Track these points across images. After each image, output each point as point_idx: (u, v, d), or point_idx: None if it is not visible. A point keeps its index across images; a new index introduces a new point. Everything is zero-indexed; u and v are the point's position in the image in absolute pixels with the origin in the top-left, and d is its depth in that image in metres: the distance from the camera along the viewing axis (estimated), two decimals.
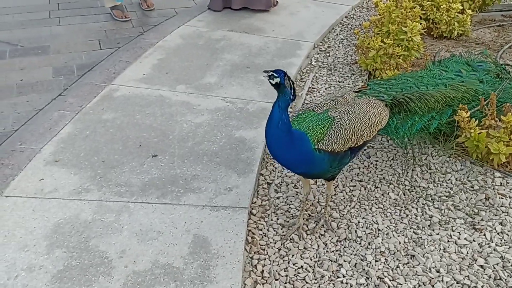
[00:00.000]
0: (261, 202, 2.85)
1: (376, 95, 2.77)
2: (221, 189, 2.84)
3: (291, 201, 2.86)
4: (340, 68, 4.42)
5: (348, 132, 2.37)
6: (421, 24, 4.25)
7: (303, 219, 2.68)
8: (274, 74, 2.19)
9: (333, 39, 4.98)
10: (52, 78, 4.25)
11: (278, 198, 2.88)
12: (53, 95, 3.98)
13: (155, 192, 2.79)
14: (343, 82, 4.19)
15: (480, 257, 2.49)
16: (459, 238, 2.60)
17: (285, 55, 4.49)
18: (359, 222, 2.71)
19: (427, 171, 3.10)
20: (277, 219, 2.72)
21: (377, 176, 3.05)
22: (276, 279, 2.37)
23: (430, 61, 3.58)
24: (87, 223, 2.55)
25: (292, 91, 2.24)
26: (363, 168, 3.13)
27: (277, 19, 5.24)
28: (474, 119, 3.03)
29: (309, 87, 4.09)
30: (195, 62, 4.31)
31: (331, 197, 2.81)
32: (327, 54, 4.66)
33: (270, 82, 2.22)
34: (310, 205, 2.84)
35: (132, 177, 2.91)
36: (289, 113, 2.28)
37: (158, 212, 2.65)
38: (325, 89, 4.09)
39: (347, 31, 5.14)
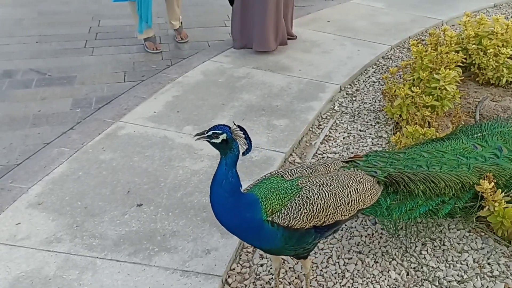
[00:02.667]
0: (241, 270, 2.56)
1: (368, 169, 2.38)
2: (199, 250, 2.60)
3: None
4: (364, 115, 4.07)
5: (314, 207, 2.03)
6: (457, 71, 3.82)
7: None
8: (217, 132, 1.94)
9: (363, 81, 4.64)
10: (69, 110, 4.24)
11: (261, 265, 2.59)
12: (64, 128, 3.95)
13: (128, 248, 2.60)
14: (365, 131, 3.83)
15: None
16: None
17: (306, 97, 4.21)
18: None
19: (439, 247, 2.68)
20: None
21: (380, 248, 2.67)
22: None
23: (465, 128, 3.00)
24: (47, 279, 2.39)
25: (248, 141, 1.99)
26: (365, 236, 2.76)
27: (307, 57, 4.99)
28: (500, 190, 2.59)
29: (326, 135, 3.78)
30: (210, 101, 4.14)
31: (311, 275, 2.43)
32: (353, 99, 4.32)
33: (213, 143, 1.96)
34: (295, 277, 2.51)
35: (110, 228, 2.73)
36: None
37: (124, 273, 2.44)
38: (343, 138, 3.76)
39: (381, 73, 4.78)
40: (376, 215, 2.40)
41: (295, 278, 2.51)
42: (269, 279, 2.50)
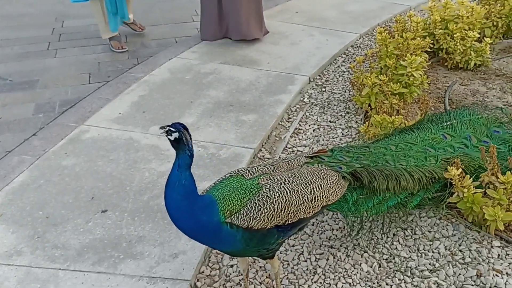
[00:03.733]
0: (210, 272, 2.49)
1: (332, 164, 2.30)
2: (166, 255, 2.52)
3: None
4: (334, 105, 4.02)
5: (276, 206, 1.96)
6: (423, 57, 3.80)
7: None
8: (172, 129, 1.88)
9: (333, 71, 4.59)
10: (31, 116, 4.10)
11: (231, 266, 2.52)
12: (26, 135, 3.80)
13: (92, 257, 2.50)
14: (335, 122, 3.79)
15: None
16: None
17: (275, 91, 4.14)
18: None
19: (411, 236, 2.65)
20: None
21: (351, 242, 2.63)
22: None
23: (435, 116, 2.97)
24: None
25: (190, 146, 1.92)
26: (336, 230, 2.72)
27: (276, 49, 4.92)
28: (469, 176, 2.56)
29: (295, 128, 3.72)
30: (177, 100, 4.04)
31: (281, 274, 2.37)
32: (323, 90, 4.28)
33: (169, 139, 1.91)
34: (266, 277, 2.46)
35: (73, 237, 2.63)
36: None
37: (88, 284, 2.35)
38: (313, 130, 3.71)
39: (350, 62, 4.74)
40: (343, 210, 2.35)
41: (266, 277, 2.45)
42: (239, 280, 2.44)
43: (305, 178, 2.09)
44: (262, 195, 1.96)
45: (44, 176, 3.11)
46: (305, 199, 2.04)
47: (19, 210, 2.83)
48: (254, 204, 1.94)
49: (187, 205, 1.88)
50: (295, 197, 2.01)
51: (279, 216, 1.97)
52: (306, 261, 2.53)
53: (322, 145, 3.51)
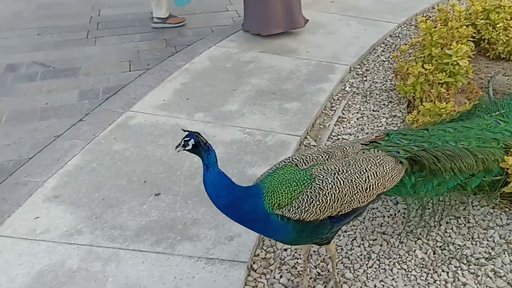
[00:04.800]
0: (265, 255, 2.53)
1: (390, 149, 2.25)
2: (222, 237, 2.56)
3: (300, 255, 2.52)
4: (376, 94, 4.01)
5: (328, 198, 1.93)
6: (468, 46, 3.75)
7: (309, 279, 2.33)
8: (186, 139, 1.93)
9: (373, 61, 4.57)
10: (76, 102, 4.18)
11: (285, 250, 2.56)
12: (73, 120, 3.89)
13: (150, 238, 2.56)
14: (378, 111, 3.78)
15: None
16: None
17: (316, 79, 4.15)
18: (375, 286, 2.32)
19: (464, 225, 2.65)
20: (280, 276, 2.39)
21: (404, 228, 2.64)
22: None
23: (481, 105, 2.94)
24: (71, 272, 2.36)
25: (209, 146, 1.95)
26: (388, 217, 2.73)
27: (314, 39, 4.91)
28: None
29: (339, 117, 3.73)
30: (219, 87, 4.07)
31: (336, 258, 2.38)
32: (364, 79, 4.26)
33: (189, 150, 1.95)
34: (321, 261, 2.49)
35: (129, 218, 2.70)
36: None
37: (148, 263, 2.41)
38: (357, 119, 3.71)
39: (389, 52, 4.71)
40: (400, 194, 2.34)
41: (321, 261, 2.48)
42: (295, 264, 2.48)
43: (360, 166, 2.05)
44: (314, 187, 1.94)
45: (96, 160, 3.19)
46: (359, 189, 2.00)
47: (75, 192, 2.91)
48: (306, 196, 1.92)
49: (226, 197, 1.93)
50: (349, 187, 1.98)
51: (332, 208, 1.95)
52: (359, 246, 2.55)
53: (367, 133, 3.51)
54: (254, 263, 2.47)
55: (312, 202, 1.92)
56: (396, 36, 5.07)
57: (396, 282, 2.33)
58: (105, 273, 2.36)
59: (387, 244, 2.55)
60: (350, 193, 1.98)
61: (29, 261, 2.42)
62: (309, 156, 2.08)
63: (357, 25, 5.20)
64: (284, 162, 2.09)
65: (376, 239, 2.58)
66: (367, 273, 2.39)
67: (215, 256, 2.44)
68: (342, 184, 1.97)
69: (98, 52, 5.17)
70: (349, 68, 4.36)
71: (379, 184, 2.07)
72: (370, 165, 2.08)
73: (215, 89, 4.06)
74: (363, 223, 2.69)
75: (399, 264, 2.43)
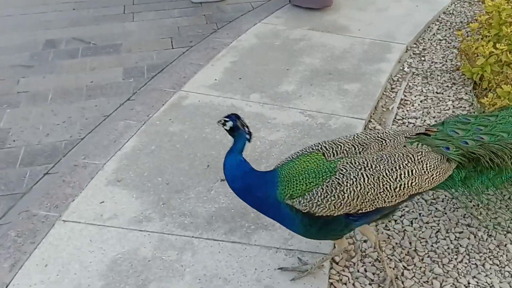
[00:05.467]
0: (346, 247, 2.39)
1: (438, 143, 2.01)
2: None
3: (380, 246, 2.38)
4: (438, 75, 3.81)
5: (346, 194, 1.80)
6: None
7: (394, 272, 2.20)
8: (226, 119, 1.92)
9: (429, 39, 4.35)
10: (122, 80, 4.04)
11: (365, 241, 2.42)
12: (121, 99, 3.76)
13: (223, 227, 2.45)
14: (442, 93, 3.59)
15: None
16: None
17: (373, 59, 3.95)
18: (469, 283, 2.18)
19: None
20: (365, 270, 2.27)
21: (490, 220, 2.49)
22: None
23: None
24: (146, 261, 2.26)
25: (247, 129, 1.93)
26: (471, 208, 2.58)
27: (364, 16, 4.68)
28: None
29: (401, 99, 3.54)
30: (271, 66, 3.90)
31: (380, 247, 2.18)
32: (422, 59, 4.05)
33: (225, 129, 1.95)
34: (406, 254, 2.35)
35: (198, 205, 2.58)
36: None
37: (225, 253, 2.30)
38: (420, 101, 3.52)
39: (445, 30, 4.48)
40: (448, 189, 2.10)
41: (405, 254, 2.35)
42: (377, 256, 2.35)
43: (393, 162, 1.86)
44: (333, 181, 1.80)
45: (154, 142, 3.06)
46: (386, 187, 1.83)
47: (138, 176, 2.80)
48: (321, 190, 1.80)
49: (241, 181, 1.91)
50: (375, 184, 1.81)
51: (350, 205, 1.81)
52: (445, 239, 2.41)
53: (433, 117, 3.34)
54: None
55: (326, 197, 1.80)
56: (450, 14, 4.82)
57: (490, 278, 2.19)
58: (182, 263, 2.25)
59: (475, 237, 2.40)
60: (374, 191, 1.82)
61: (101, 248, 2.32)
62: (341, 146, 1.93)
63: (407, 2, 4.96)
64: (312, 148, 1.95)
65: (462, 232, 2.44)
66: (457, 268, 2.25)
67: (295, 247, 2.32)
68: (366, 181, 1.81)
69: (137, 28, 5.00)
70: (405, 48, 4.15)
71: (414, 184, 1.88)
72: (406, 162, 1.88)
73: (267, 68, 3.89)
74: (445, 214, 2.55)
75: (491, 259, 2.29)
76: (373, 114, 3.37)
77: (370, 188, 1.80)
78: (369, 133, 2.00)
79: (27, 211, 2.56)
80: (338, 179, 1.80)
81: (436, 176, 1.93)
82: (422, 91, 3.62)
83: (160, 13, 5.34)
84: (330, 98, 3.47)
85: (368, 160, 1.85)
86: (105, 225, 2.45)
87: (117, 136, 3.15)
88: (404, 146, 1.96)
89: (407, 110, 3.41)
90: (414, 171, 1.87)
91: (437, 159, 1.95)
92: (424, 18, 4.60)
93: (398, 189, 1.84)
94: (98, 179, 2.76)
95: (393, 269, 2.23)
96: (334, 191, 1.79)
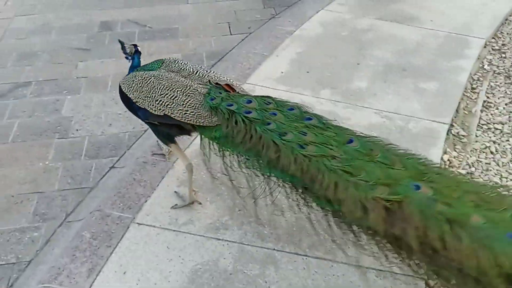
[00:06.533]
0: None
1: (212, 95, 2.19)
2: None
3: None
4: None
5: (134, 84, 2.28)
6: None
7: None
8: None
9: (508, 34, 4.03)
10: None
11: None
12: None
13: (305, 240, 2.31)
14: None
15: None
16: None
17: (449, 54, 3.69)
18: None
19: None
20: None
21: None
22: None
23: None
24: (228, 274, 2.15)
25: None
26: None
27: (435, 4, 4.39)
28: None
29: (484, 101, 3.29)
30: (340, 59, 3.69)
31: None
32: (503, 55, 3.77)
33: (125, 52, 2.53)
34: None
35: (277, 213, 2.44)
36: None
37: (310, 270, 2.17)
38: (505, 104, 3.27)
39: None
40: (206, 136, 2.22)
41: None
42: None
43: (173, 85, 2.20)
44: (141, 74, 2.29)
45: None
46: (153, 96, 2.21)
47: (209, 177, 2.66)
48: (135, 77, 2.31)
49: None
50: (149, 88, 2.22)
51: (133, 94, 2.27)
52: None
53: None
54: (428, 278, 2.18)
55: (132, 81, 2.31)
56: None
57: None
58: (265, 278, 2.13)
59: None
60: (145, 92, 2.23)
61: (179, 257, 2.22)
62: (175, 64, 2.35)
63: None
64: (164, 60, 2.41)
65: None
66: None
67: (386, 267, 2.15)
68: (149, 84, 2.24)
69: (192, 11, 4.83)
70: (484, 43, 3.86)
71: (169, 105, 2.18)
72: (178, 91, 2.19)
73: (336, 61, 3.68)
74: None
75: None
76: (455, 117, 3.14)
77: (146, 89, 2.23)
78: (194, 66, 2.38)
79: (99, 210, 2.48)
80: (144, 75, 2.26)
81: (191, 114, 2.16)
82: (506, 92, 3.36)
83: None
84: (407, 97, 3.25)
85: (167, 75, 2.25)
86: (181, 231, 2.34)
87: None
88: (192, 80, 2.26)
89: (491, 114, 3.17)
90: (177, 98, 2.18)
91: (199, 101, 2.17)
92: (503, 9, 4.28)
93: (157, 102, 2.20)
94: (169, 178, 2.65)
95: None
96: (135, 79, 2.27)
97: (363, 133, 1.98)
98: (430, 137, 2.90)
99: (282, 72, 3.54)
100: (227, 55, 4.06)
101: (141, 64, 2.50)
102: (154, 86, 2.21)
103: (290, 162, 1.88)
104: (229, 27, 4.49)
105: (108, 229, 2.36)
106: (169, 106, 2.18)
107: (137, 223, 2.38)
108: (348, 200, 1.71)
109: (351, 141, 1.89)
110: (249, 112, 2.09)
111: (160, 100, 2.19)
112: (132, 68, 2.47)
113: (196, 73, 2.29)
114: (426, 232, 1.57)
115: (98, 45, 4.25)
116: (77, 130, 3.24)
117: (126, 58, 2.54)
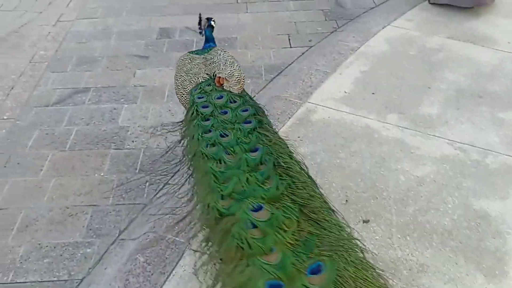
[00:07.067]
0: None
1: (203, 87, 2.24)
2: None
3: None
4: None
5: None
6: None
7: None
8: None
9: None
10: None
11: None
12: None
13: None
14: None
15: None
16: None
17: None
18: None
19: None
20: None
21: None
22: None
23: None
24: None
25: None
26: None
27: (511, 23, 4.07)
28: None
29: None
30: (407, 80, 3.47)
31: None
32: None
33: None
34: None
35: None
36: None
37: None
38: None
39: None
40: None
41: None
42: None
43: (191, 68, 2.37)
44: (188, 56, 2.50)
45: None
46: (178, 73, 2.40)
47: None
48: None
49: None
50: (180, 67, 2.43)
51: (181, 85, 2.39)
52: None
53: None
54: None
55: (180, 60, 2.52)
56: None
57: None
58: None
59: None
60: (178, 70, 2.45)
61: None
62: (215, 53, 2.44)
63: None
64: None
65: None
66: None
67: None
68: (183, 62, 2.44)
69: (251, 20, 4.73)
70: None
71: (178, 85, 2.38)
72: (189, 74, 2.35)
73: (404, 83, 3.46)
74: None
75: None
76: None
77: (180, 69, 2.40)
78: (223, 56, 2.41)
79: (153, 232, 2.40)
80: (187, 59, 2.45)
81: (185, 99, 2.30)
82: None
83: (274, 4, 5.05)
84: (483, 127, 3.00)
85: (197, 63, 2.40)
86: None
87: None
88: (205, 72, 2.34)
89: None
90: (184, 81, 2.33)
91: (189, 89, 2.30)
92: None
93: (178, 79, 2.39)
94: None
95: None
96: (182, 62, 2.45)
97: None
98: (509, 174, 2.64)
99: (345, 92, 3.37)
100: (287, 69, 3.93)
101: (213, 39, 2.69)
102: (183, 66, 2.39)
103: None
104: (289, 39, 4.36)
105: (162, 253, 2.28)
106: (178, 85, 2.36)
107: (193, 250, 2.27)
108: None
109: (256, 150, 1.82)
110: (206, 107, 2.13)
111: (178, 78, 2.36)
112: (206, 42, 2.63)
113: (214, 63, 2.35)
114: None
115: (157, 52, 4.21)
116: (132, 141, 3.19)
117: (200, 33, 2.71)
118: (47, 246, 2.49)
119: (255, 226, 1.45)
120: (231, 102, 2.11)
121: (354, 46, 3.93)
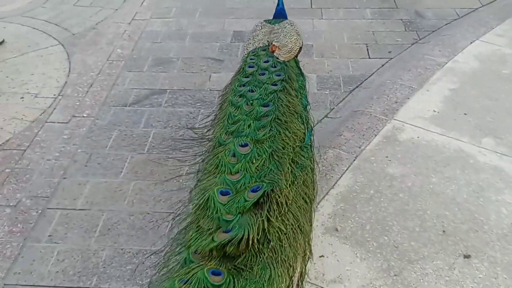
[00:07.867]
0: None
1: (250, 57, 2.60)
2: None
3: None
4: None
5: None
6: None
7: None
8: None
9: None
10: (316, 91, 3.68)
11: None
12: (318, 115, 3.39)
13: None
14: None
15: None
16: None
17: None
18: None
19: None
20: None
21: None
22: None
23: None
24: None
25: None
26: None
27: None
28: None
29: None
30: (503, 102, 3.24)
31: None
32: None
33: None
34: None
35: (440, 287, 2.11)
36: None
37: None
38: None
39: None
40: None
41: None
42: None
43: (257, 34, 2.74)
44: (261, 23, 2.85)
45: (372, 185, 2.64)
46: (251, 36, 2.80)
47: (358, 228, 2.41)
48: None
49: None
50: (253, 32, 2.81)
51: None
52: None
53: None
54: None
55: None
56: None
57: None
58: None
59: None
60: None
61: None
62: (284, 24, 2.80)
63: None
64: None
65: None
66: None
67: None
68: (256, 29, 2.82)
69: (327, 27, 4.60)
70: None
71: (247, 45, 2.76)
72: (254, 38, 2.73)
73: (498, 105, 3.23)
74: None
75: None
76: None
77: (252, 33, 2.78)
78: (287, 28, 2.76)
79: None
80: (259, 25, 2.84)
81: (249, 58, 2.57)
82: None
83: (350, 11, 4.89)
84: None
85: (264, 30, 2.76)
86: None
87: (327, 168, 2.78)
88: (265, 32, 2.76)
89: None
90: (249, 44, 2.72)
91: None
92: None
93: (249, 39, 2.80)
94: (314, 223, 2.41)
95: None
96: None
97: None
98: None
99: (434, 111, 3.18)
100: (367, 82, 3.78)
101: (283, 10, 3.01)
102: (253, 31, 2.75)
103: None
104: (367, 49, 4.20)
105: None
106: (245, 46, 2.71)
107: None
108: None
109: (267, 105, 2.17)
110: (251, 67, 2.46)
111: (248, 40, 2.73)
112: (277, 11, 2.99)
113: (277, 33, 2.66)
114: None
115: (231, 56, 4.16)
116: None
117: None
118: (129, 252, 2.46)
119: (234, 155, 1.90)
120: (272, 67, 2.44)
121: (441, 61, 3.73)
